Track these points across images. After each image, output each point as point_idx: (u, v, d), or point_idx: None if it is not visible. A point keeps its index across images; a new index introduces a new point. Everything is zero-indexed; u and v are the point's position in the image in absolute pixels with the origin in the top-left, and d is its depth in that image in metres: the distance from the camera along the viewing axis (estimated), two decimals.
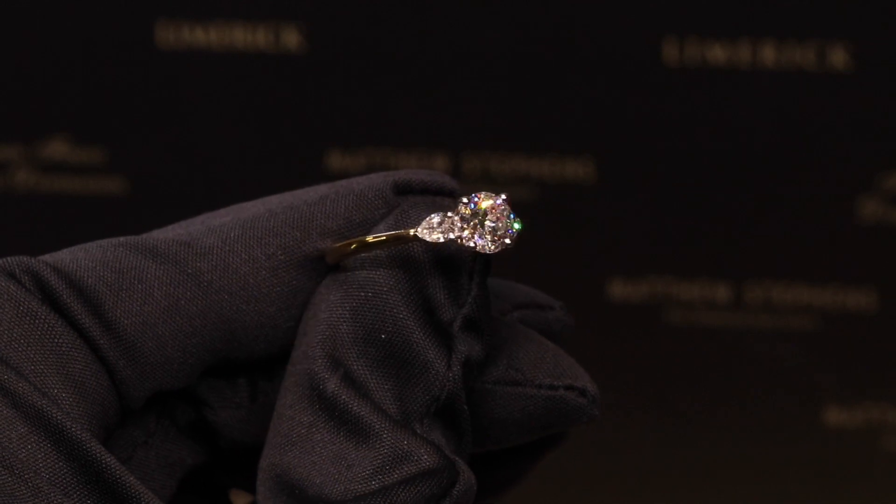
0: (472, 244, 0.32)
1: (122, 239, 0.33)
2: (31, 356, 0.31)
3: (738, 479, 0.86)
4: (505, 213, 0.33)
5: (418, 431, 0.31)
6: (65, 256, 0.33)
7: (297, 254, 0.34)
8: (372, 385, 0.32)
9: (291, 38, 0.84)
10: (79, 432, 0.30)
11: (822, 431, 0.85)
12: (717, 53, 0.81)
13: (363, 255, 0.33)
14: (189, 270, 0.33)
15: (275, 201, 0.35)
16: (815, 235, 0.83)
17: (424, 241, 0.32)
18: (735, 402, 0.86)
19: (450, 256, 0.33)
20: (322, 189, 0.35)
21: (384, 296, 0.32)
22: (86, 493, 0.29)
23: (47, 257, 0.33)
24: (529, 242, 0.80)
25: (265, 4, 0.84)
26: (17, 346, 0.31)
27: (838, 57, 0.81)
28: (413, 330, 0.32)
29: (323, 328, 0.33)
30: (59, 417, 0.30)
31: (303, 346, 0.33)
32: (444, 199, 0.34)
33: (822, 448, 0.85)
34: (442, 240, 0.32)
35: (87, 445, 0.30)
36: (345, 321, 0.32)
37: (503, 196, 0.33)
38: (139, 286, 0.33)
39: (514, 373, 0.34)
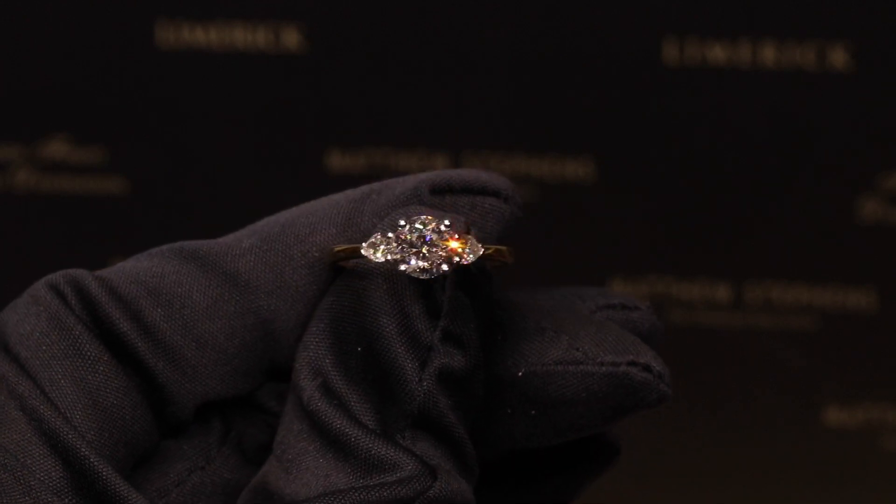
0: (402, 268, 0.31)
1: (168, 246, 0.34)
2: (51, 365, 0.31)
3: (738, 479, 0.86)
4: (451, 239, 0.31)
5: (400, 443, 0.31)
6: (114, 267, 0.33)
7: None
8: (349, 397, 0.31)
9: (291, 38, 0.84)
10: (75, 440, 0.30)
11: (822, 431, 0.85)
12: (717, 53, 0.81)
13: (353, 261, 0.32)
14: (227, 270, 0.33)
15: (323, 200, 0.34)
16: (815, 235, 0.83)
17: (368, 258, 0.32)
18: (735, 402, 0.86)
19: None
20: (371, 186, 0.34)
21: (363, 307, 0.32)
22: (77, 497, 0.30)
23: (100, 271, 0.33)
24: (529, 242, 0.80)
25: (265, 4, 0.84)
26: (41, 355, 0.32)
27: (838, 57, 0.81)
28: (387, 343, 0.31)
29: (307, 336, 0.32)
30: (57, 423, 0.31)
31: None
32: (486, 198, 0.33)
33: (822, 448, 0.85)
34: (381, 259, 0.32)
35: (83, 453, 0.30)
36: (326, 331, 0.32)
37: (446, 222, 0.32)
38: (178, 289, 0.33)
39: (575, 352, 0.33)
